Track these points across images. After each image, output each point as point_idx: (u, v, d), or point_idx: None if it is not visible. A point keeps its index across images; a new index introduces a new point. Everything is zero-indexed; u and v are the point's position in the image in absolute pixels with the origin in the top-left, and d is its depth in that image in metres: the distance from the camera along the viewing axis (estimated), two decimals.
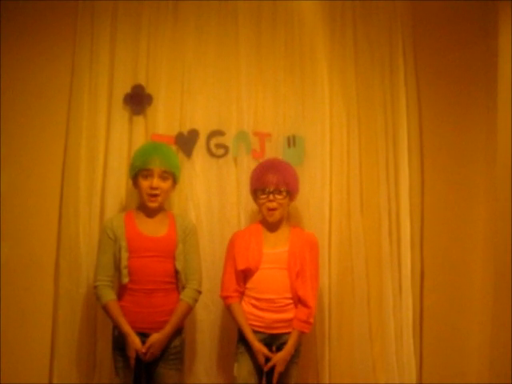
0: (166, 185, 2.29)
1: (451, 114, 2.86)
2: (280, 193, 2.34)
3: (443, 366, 2.80)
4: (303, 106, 2.71)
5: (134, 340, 2.16)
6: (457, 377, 2.78)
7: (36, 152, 2.55)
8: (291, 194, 2.40)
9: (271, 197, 2.34)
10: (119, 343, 2.23)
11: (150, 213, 2.30)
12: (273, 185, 2.34)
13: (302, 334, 2.33)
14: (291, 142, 2.68)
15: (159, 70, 2.60)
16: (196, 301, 2.32)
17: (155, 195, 2.26)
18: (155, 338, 2.18)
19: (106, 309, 2.22)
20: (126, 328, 2.17)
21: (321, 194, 2.67)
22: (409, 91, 2.78)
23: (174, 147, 2.57)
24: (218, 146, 2.64)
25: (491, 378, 2.64)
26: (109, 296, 2.21)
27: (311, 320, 2.34)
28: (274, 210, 2.35)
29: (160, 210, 2.33)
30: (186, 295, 2.28)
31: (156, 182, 2.25)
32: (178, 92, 2.62)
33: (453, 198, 2.85)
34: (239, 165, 2.63)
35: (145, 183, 2.26)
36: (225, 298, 2.36)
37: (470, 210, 2.85)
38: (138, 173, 2.28)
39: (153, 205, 2.28)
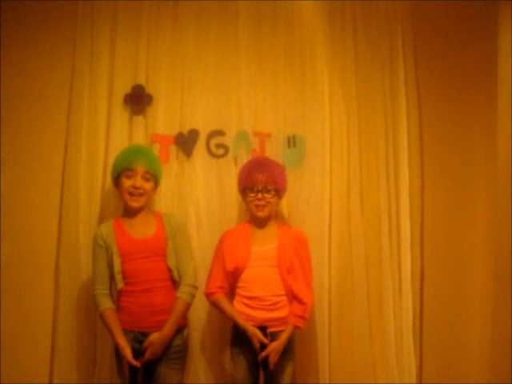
0: (148, 185, 2.30)
1: (451, 114, 2.86)
2: (268, 192, 2.35)
3: (443, 366, 2.80)
4: (303, 106, 2.71)
5: (127, 355, 2.15)
6: (457, 377, 2.78)
7: (36, 152, 2.55)
8: (279, 192, 2.41)
9: (259, 195, 2.35)
10: None
11: (137, 215, 2.30)
12: (261, 184, 2.35)
13: (296, 328, 2.33)
14: (291, 141, 2.68)
15: (159, 70, 2.60)
16: (193, 296, 2.31)
17: (139, 194, 2.27)
18: (154, 337, 2.18)
19: (102, 317, 2.23)
20: (120, 339, 2.17)
21: (321, 194, 2.67)
22: (409, 91, 2.78)
23: (173, 147, 2.59)
24: (218, 146, 2.64)
25: (491, 378, 2.64)
26: (106, 305, 2.22)
27: (306, 315, 2.33)
28: (264, 205, 2.36)
29: (145, 210, 2.34)
30: (182, 291, 2.27)
31: (139, 181, 2.26)
32: (178, 92, 2.62)
33: (453, 197, 2.85)
34: (239, 165, 2.62)
35: (128, 182, 2.26)
36: (208, 295, 2.36)
37: (470, 210, 2.85)
38: (121, 173, 2.28)
39: (135, 204, 2.28)
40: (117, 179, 2.32)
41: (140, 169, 2.27)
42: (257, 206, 2.36)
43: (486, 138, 2.79)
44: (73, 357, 2.50)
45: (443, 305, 2.81)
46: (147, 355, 2.17)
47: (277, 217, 2.52)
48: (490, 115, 2.74)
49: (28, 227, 2.53)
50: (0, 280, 2.46)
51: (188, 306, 2.30)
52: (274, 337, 2.28)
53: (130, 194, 2.27)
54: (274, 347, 2.26)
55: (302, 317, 2.32)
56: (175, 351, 2.27)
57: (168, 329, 2.21)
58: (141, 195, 2.28)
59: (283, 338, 2.28)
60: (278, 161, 2.58)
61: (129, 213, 2.32)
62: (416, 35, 2.81)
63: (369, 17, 2.77)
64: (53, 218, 2.53)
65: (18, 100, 2.53)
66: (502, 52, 2.63)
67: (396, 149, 2.76)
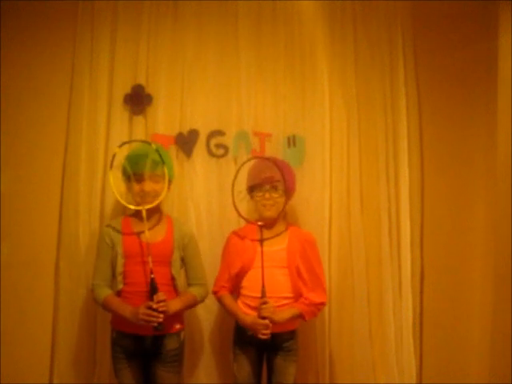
0: (159, 187, 2.26)
1: (451, 113, 2.86)
2: (276, 191, 2.34)
3: (443, 366, 2.80)
4: (303, 105, 2.71)
5: (141, 309, 2.08)
6: (457, 377, 2.78)
7: (36, 152, 2.54)
8: (287, 192, 2.37)
9: (267, 195, 2.33)
10: (117, 345, 2.23)
11: (147, 217, 2.25)
12: (269, 182, 2.33)
13: (300, 317, 2.27)
14: (291, 141, 2.68)
15: (159, 70, 2.60)
16: (202, 299, 2.31)
17: (151, 197, 2.24)
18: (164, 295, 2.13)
19: (105, 304, 2.20)
20: (130, 310, 2.12)
21: (321, 193, 2.67)
22: (409, 91, 2.79)
23: (173, 147, 2.59)
24: (218, 146, 2.64)
25: (491, 378, 2.64)
26: (106, 292, 2.21)
27: (316, 311, 2.32)
28: (272, 205, 2.34)
29: (157, 213, 2.31)
30: (195, 289, 2.29)
31: (147, 185, 2.23)
32: (178, 92, 2.62)
33: (453, 197, 2.85)
34: (239, 165, 2.62)
35: (137, 187, 2.24)
36: (214, 293, 2.38)
37: (470, 210, 2.85)
38: (131, 177, 2.25)
39: (147, 206, 2.23)
40: (128, 182, 2.29)
41: (147, 172, 2.23)
42: (264, 205, 2.34)
43: (486, 138, 2.80)
44: (73, 357, 2.51)
45: (443, 305, 2.82)
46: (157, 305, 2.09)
47: (285, 218, 2.48)
48: (490, 115, 2.74)
49: (28, 227, 2.53)
50: (0, 280, 2.46)
51: (195, 301, 2.29)
52: (275, 337, 2.25)
53: (141, 197, 2.25)
54: (272, 318, 2.18)
55: (311, 311, 2.29)
56: (172, 354, 2.25)
57: (173, 301, 2.18)
58: (153, 197, 2.25)
59: (284, 315, 2.22)
60: None
61: (140, 214, 2.26)
62: (416, 35, 2.81)
63: (369, 17, 2.77)
64: (53, 218, 2.53)
65: (17, 100, 2.53)
66: (502, 52, 2.63)
67: (396, 149, 2.76)
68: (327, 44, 2.74)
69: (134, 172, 2.24)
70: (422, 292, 2.78)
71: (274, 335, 2.24)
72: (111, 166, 2.28)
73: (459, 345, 2.83)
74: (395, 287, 2.73)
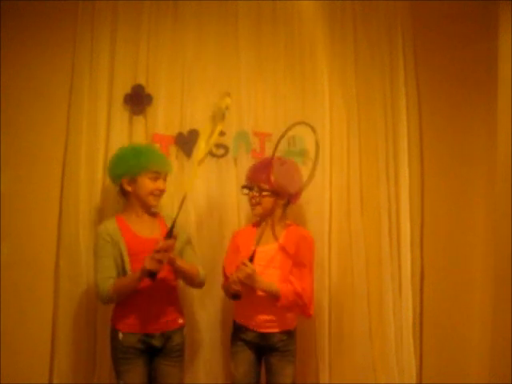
0: (165, 186, 2.31)
1: (451, 113, 2.87)
2: (260, 189, 2.29)
3: (443, 366, 2.81)
4: (303, 105, 2.72)
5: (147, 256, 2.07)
6: (457, 377, 2.79)
7: (36, 152, 2.54)
8: (275, 192, 2.28)
9: (251, 193, 2.33)
10: (126, 346, 2.20)
11: (141, 214, 2.27)
12: (249, 180, 2.35)
13: (275, 295, 2.18)
14: (291, 141, 2.68)
15: (159, 70, 2.60)
16: (203, 279, 2.28)
17: (160, 195, 2.28)
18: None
19: (116, 289, 2.12)
20: (137, 273, 2.09)
21: (321, 193, 2.67)
22: (409, 91, 2.79)
23: (172, 147, 2.59)
24: (218, 146, 2.64)
25: (491, 378, 2.64)
26: (109, 282, 2.14)
27: (292, 298, 2.18)
28: (255, 204, 2.33)
29: (149, 210, 2.32)
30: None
31: (163, 184, 2.28)
32: (178, 92, 2.62)
33: (453, 198, 2.85)
34: (239, 165, 2.63)
35: (151, 184, 2.24)
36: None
37: (470, 210, 2.86)
38: (143, 174, 2.23)
39: (156, 203, 2.28)
40: (132, 177, 2.25)
41: (164, 172, 2.28)
42: (251, 203, 2.34)
43: (486, 138, 2.80)
44: (73, 357, 2.50)
45: (443, 305, 2.82)
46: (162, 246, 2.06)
47: (282, 218, 2.37)
48: (490, 115, 2.74)
49: (28, 227, 2.52)
50: (0, 280, 2.46)
51: (196, 272, 2.25)
52: (266, 338, 2.26)
53: (154, 195, 2.26)
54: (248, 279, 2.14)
55: (288, 298, 2.18)
56: (177, 349, 2.26)
57: (175, 261, 2.15)
58: (160, 196, 2.29)
59: (262, 283, 2.16)
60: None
61: (135, 211, 2.27)
62: (416, 35, 2.82)
63: (369, 17, 2.78)
64: (53, 218, 2.53)
65: (18, 100, 2.52)
66: (502, 52, 2.63)
67: (396, 149, 2.77)
68: (327, 44, 2.74)
69: (157, 170, 2.25)
70: (421, 292, 2.79)
71: (265, 336, 2.25)
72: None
73: (459, 345, 2.83)
74: (395, 287, 2.73)
